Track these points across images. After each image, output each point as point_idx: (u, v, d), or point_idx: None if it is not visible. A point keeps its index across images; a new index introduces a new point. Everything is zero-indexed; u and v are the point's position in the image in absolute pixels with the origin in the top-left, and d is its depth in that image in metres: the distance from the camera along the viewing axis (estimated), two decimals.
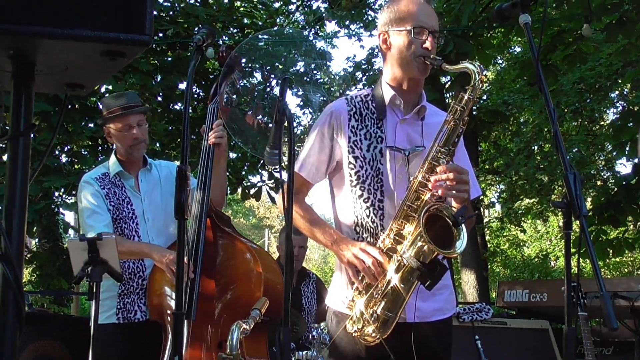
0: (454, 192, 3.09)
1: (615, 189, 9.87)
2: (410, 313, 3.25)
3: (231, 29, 12.99)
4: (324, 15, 15.86)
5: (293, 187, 2.77)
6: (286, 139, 2.75)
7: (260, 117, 4.18)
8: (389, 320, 3.16)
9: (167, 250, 4.20)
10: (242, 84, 4.49)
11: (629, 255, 19.45)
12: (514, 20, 3.05)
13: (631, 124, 9.80)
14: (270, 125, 3.00)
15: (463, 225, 3.06)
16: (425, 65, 3.30)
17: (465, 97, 3.17)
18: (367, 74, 15.22)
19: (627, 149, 9.78)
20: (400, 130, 3.36)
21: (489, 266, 20.96)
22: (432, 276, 3.08)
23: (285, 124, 2.80)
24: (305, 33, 17.44)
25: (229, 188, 12.55)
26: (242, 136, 4.21)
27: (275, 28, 16.00)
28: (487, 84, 20.96)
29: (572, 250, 2.80)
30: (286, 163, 2.80)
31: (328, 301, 3.49)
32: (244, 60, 4.54)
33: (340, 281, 3.41)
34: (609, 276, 22.58)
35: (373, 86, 3.52)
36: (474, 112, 14.59)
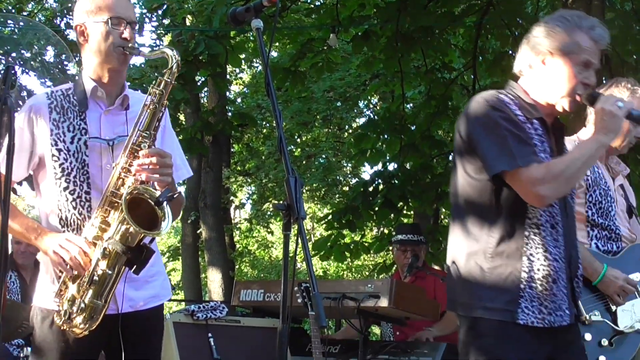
0: (157, 175, 3.12)
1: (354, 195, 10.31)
2: (127, 302, 3.24)
3: None
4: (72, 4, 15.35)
5: (10, 179, 2.69)
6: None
7: None
8: (98, 309, 3.12)
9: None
10: None
11: (370, 258, 20.38)
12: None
13: (373, 134, 10.28)
14: None
15: (167, 206, 3.10)
16: (125, 56, 3.29)
17: (164, 81, 3.22)
18: None
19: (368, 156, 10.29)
20: (105, 121, 3.33)
21: (237, 266, 21.23)
22: (138, 260, 3.09)
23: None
24: (57, 22, 16.82)
25: None
26: None
27: (25, 14, 15.34)
28: (243, 87, 21.28)
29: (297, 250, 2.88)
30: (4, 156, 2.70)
31: (34, 299, 3.37)
32: None
33: (45, 277, 3.32)
34: (350, 278, 23.60)
35: (74, 80, 3.45)
36: (229, 114, 14.72)
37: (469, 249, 3.17)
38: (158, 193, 3.11)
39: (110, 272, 3.10)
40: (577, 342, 3.31)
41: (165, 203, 3.11)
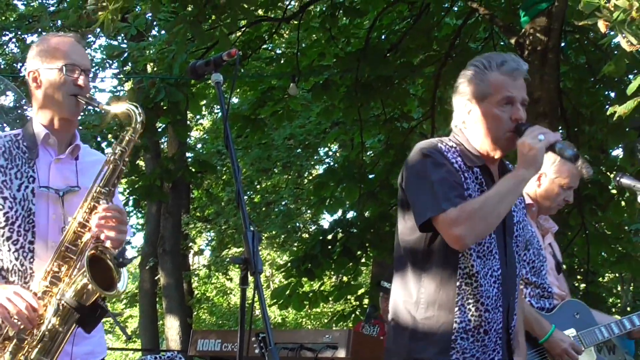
0: (115, 233, 3.06)
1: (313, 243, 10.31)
2: (63, 358, 3.11)
3: None
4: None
5: None
6: None
7: None
8: None
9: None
10: None
11: (329, 306, 20.31)
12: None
13: (333, 182, 10.33)
14: None
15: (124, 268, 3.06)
16: (78, 104, 3.22)
17: (127, 138, 3.17)
18: None
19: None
20: (55, 170, 3.25)
21: (195, 313, 21.03)
22: (92, 319, 3.02)
23: None
24: (19, 67, 16.74)
25: None
26: None
27: None
28: (203, 133, 21.27)
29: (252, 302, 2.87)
30: None
31: None
32: None
33: None
34: (309, 327, 23.48)
35: (23, 125, 3.38)
36: (189, 160, 14.70)
37: (404, 298, 3.15)
38: (116, 252, 3.05)
39: (61, 329, 3.00)
40: None
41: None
